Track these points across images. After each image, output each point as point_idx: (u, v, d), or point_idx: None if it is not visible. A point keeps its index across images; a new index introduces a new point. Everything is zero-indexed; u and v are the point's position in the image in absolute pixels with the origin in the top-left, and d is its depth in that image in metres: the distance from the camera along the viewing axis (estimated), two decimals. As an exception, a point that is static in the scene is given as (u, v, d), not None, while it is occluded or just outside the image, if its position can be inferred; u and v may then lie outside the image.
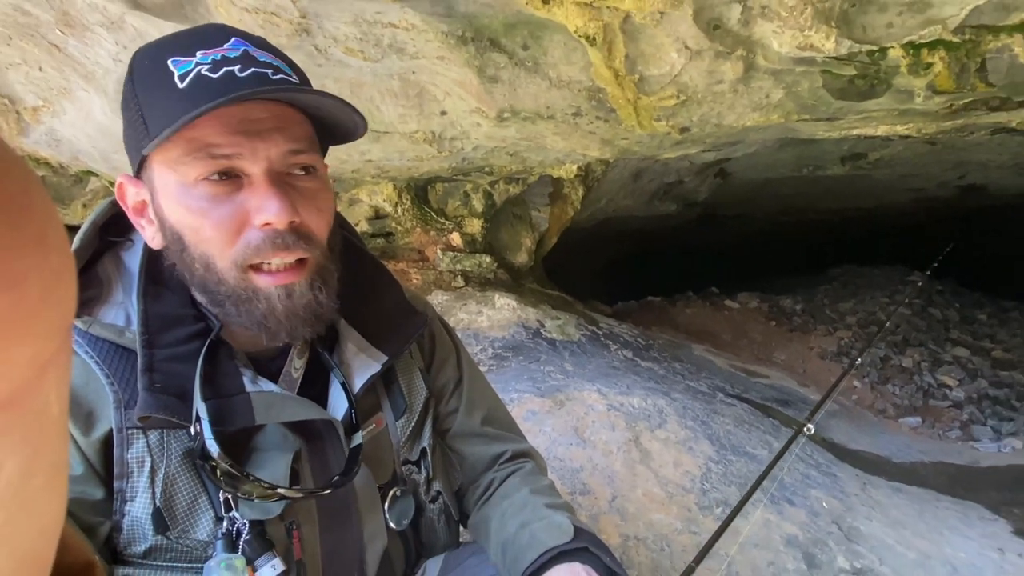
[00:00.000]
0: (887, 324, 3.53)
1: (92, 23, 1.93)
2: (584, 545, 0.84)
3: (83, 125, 2.52)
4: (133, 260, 0.75)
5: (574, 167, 3.33)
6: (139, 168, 0.70)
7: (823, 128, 2.61)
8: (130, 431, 0.68)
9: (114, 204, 0.77)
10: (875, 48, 1.81)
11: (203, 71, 0.64)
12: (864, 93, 2.08)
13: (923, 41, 1.79)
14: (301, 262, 0.70)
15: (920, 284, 4.56)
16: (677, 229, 6.45)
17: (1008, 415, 3.33)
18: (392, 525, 0.85)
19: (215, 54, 0.66)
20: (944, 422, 3.32)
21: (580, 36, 1.85)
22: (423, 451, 0.92)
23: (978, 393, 3.61)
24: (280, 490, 0.71)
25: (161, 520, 0.68)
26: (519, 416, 2.20)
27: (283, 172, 0.69)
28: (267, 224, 0.67)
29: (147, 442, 0.69)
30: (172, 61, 0.66)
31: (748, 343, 4.27)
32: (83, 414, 0.67)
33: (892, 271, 5.93)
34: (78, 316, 0.69)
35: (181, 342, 0.71)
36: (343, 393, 0.80)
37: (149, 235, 0.73)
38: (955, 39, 1.79)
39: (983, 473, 2.57)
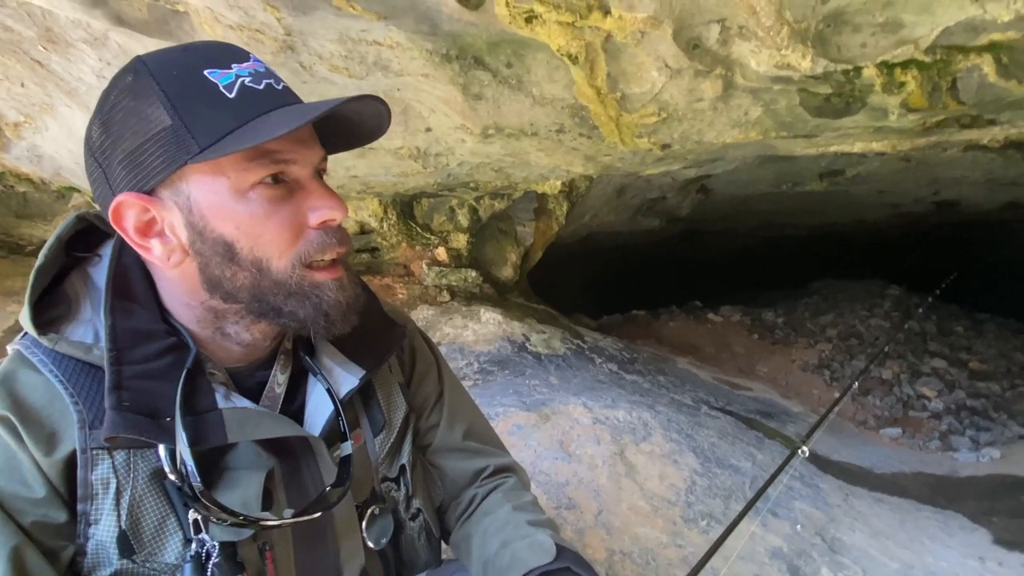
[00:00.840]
0: (886, 348, 3.58)
1: (75, 39, 1.93)
2: (566, 565, 0.83)
3: (65, 141, 2.50)
4: (101, 276, 0.73)
5: (558, 183, 3.36)
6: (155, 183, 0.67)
7: (801, 145, 2.67)
8: (95, 451, 0.66)
9: (80, 219, 0.76)
10: (850, 67, 1.86)
11: (247, 82, 0.67)
12: (840, 111, 2.13)
13: (896, 60, 1.84)
14: (338, 259, 0.74)
15: (921, 309, 4.65)
16: (660, 244, 6.52)
17: (985, 425, 3.38)
18: (370, 544, 0.84)
19: (249, 68, 0.68)
20: (924, 433, 3.37)
21: (563, 55, 1.88)
22: (402, 467, 0.90)
23: (956, 404, 3.67)
24: (265, 522, 0.70)
25: (127, 543, 0.66)
26: (504, 430, 2.20)
27: (319, 176, 0.73)
28: (326, 222, 0.71)
29: (113, 463, 0.67)
30: (209, 72, 0.66)
31: (731, 356, 4.31)
32: (45, 435, 0.65)
33: (871, 285, 6.03)
34: (44, 334, 0.68)
35: (152, 358, 0.69)
36: (327, 402, 0.79)
37: (161, 254, 0.69)
38: (927, 59, 1.85)
39: (962, 483, 2.61)
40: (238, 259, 0.68)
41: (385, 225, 3.46)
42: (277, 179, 0.68)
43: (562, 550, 0.85)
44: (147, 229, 0.69)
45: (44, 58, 2.04)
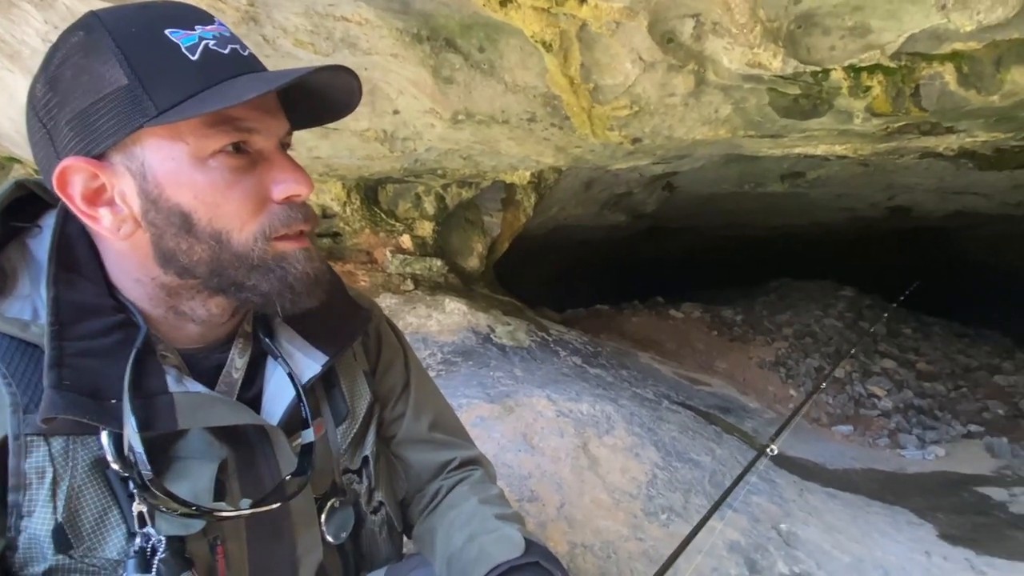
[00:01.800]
0: (852, 351, 3.69)
1: (18, -2, 1.80)
2: (535, 560, 0.81)
3: (6, 108, 2.35)
4: (42, 249, 0.67)
5: (527, 173, 3.33)
6: (106, 147, 0.62)
7: (767, 145, 2.71)
8: (29, 438, 0.61)
9: (19, 186, 0.70)
10: (818, 69, 1.89)
11: (211, 45, 0.63)
12: (807, 112, 2.16)
13: (863, 65, 1.87)
14: (304, 232, 0.71)
15: (886, 315, 4.80)
16: (625, 239, 6.57)
17: (931, 424, 3.52)
18: (329, 539, 0.80)
19: (213, 31, 0.64)
20: (873, 430, 3.48)
21: (537, 41, 1.84)
22: (365, 459, 0.87)
23: (904, 403, 3.80)
24: (219, 513, 0.66)
25: (63, 537, 0.61)
26: (468, 422, 2.17)
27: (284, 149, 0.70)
28: (290, 197, 0.68)
29: (49, 450, 0.61)
30: (171, 32, 0.61)
31: (691, 352, 4.37)
32: None
33: (826, 285, 6.20)
34: None
35: (97, 335, 0.64)
36: (288, 388, 0.75)
37: (110, 224, 0.64)
38: (892, 64, 1.88)
39: (910, 480, 2.70)
40: (195, 231, 0.64)
41: (348, 210, 3.37)
42: (239, 149, 0.64)
43: (531, 544, 0.83)
44: (95, 197, 0.64)
45: (-17, 18, 1.90)
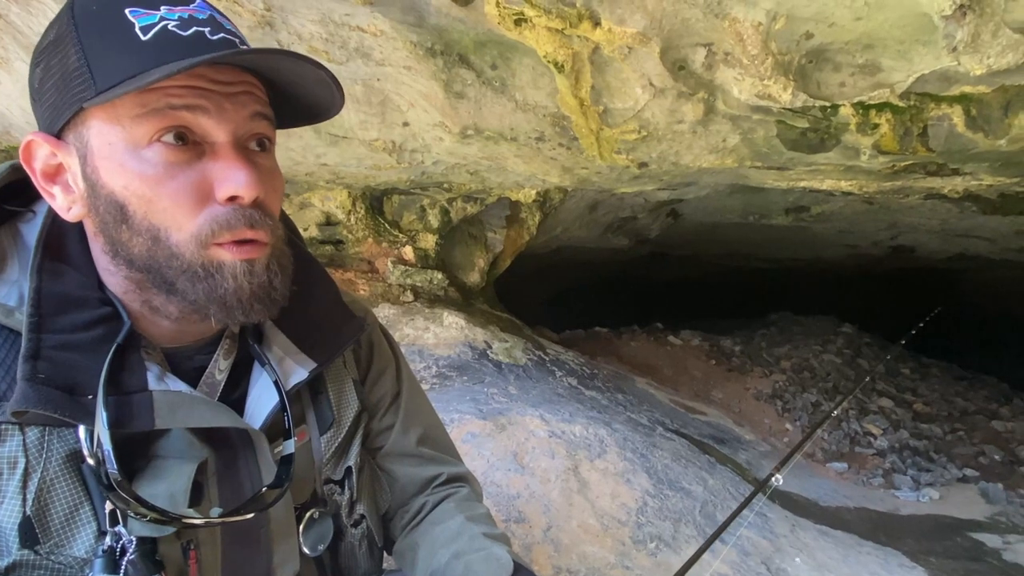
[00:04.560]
0: (856, 391, 3.65)
1: (38, -10, 1.82)
2: None
3: (18, 98, 2.36)
4: (34, 234, 0.66)
5: (533, 192, 3.34)
6: (63, 125, 0.62)
7: (773, 177, 2.71)
8: (3, 426, 0.59)
9: (16, 169, 0.68)
10: (827, 104, 1.89)
11: (170, 26, 0.59)
12: (815, 146, 2.17)
13: (872, 102, 1.88)
14: (258, 241, 0.64)
15: (889, 357, 4.76)
16: (627, 263, 6.58)
17: (927, 466, 3.48)
18: (306, 550, 0.77)
19: (182, 12, 0.61)
20: (868, 469, 3.44)
21: (549, 62, 1.86)
22: (348, 470, 0.84)
23: (900, 443, 3.77)
24: (188, 520, 0.63)
25: (30, 531, 0.59)
26: (458, 438, 2.14)
27: (245, 144, 0.64)
28: (233, 198, 0.61)
29: (23, 440, 0.60)
30: (131, 11, 0.59)
31: (688, 379, 4.34)
32: None
33: (825, 321, 6.18)
34: None
35: (79, 328, 0.62)
36: (272, 393, 0.72)
37: (62, 204, 0.63)
38: (901, 103, 1.89)
39: (903, 521, 2.66)
40: (132, 223, 0.61)
41: (352, 218, 3.37)
42: (184, 139, 0.60)
43: (519, 567, 0.81)
44: (54, 175, 0.64)
45: (3, 9, 1.92)
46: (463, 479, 0.99)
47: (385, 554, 0.95)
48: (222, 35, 0.62)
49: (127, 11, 0.59)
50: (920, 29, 1.55)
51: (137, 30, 0.59)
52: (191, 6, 0.62)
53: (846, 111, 1.97)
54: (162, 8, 0.60)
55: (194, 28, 0.60)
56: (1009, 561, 2.26)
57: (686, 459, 2.47)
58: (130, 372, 0.63)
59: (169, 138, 0.59)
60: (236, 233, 0.62)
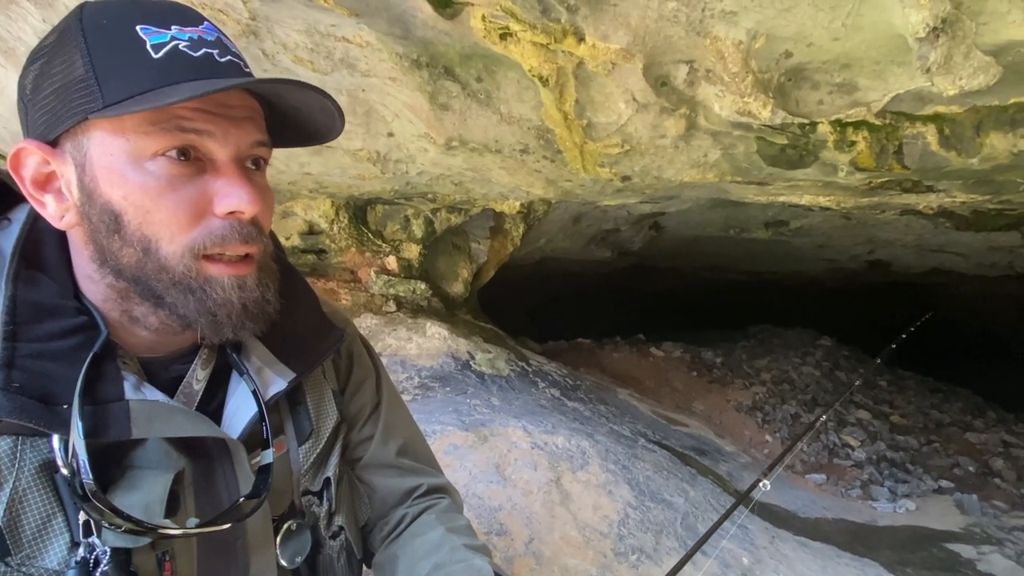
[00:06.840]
0: (836, 405, 3.67)
1: (19, -5, 1.80)
2: None
3: (-8, 101, 2.33)
4: (9, 242, 0.66)
5: (517, 203, 3.36)
6: (60, 134, 0.62)
7: (753, 191, 2.76)
8: None
9: None
10: (806, 121, 1.94)
11: (181, 47, 0.61)
12: (794, 162, 2.21)
13: (849, 120, 1.93)
14: (250, 256, 0.66)
15: (862, 372, 4.82)
16: (610, 275, 6.62)
17: (903, 478, 3.53)
18: (283, 562, 0.76)
19: (192, 33, 0.62)
20: (846, 480, 3.48)
21: (534, 75, 1.88)
22: (327, 481, 0.84)
23: (877, 455, 3.82)
24: (164, 531, 0.62)
25: (1, 542, 0.58)
26: (440, 449, 2.13)
27: (244, 162, 0.66)
28: (233, 213, 0.63)
29: None
30: (142, 28, 0.60)
31: (670, 391, 4.37)
32: None
33: (805, 333, 6.27)
34: None
35: (55, 337, 0.62)
36: (250, 403, 0.72)
37: (54, 212, 0.63)
38: (877, 122, 1.94)
39: (880, 532, 2.69)
40: (124, 233, 0.61)
41: (335, 228, 3.36)
42: (187, 155, 0.62)
43: None
44: (45, 182, 0.64)
45: (-19, 12, 1.90)
46: (443, 490, 0.99)
47: (364, 567, 0.94)
48: (229, 58, 0.64)
49: (138, 27, 0.60)
50: (895, 50, 1.59)
51: (148, 47, 0.60)
52: (200, 27, 0.64)
53: (824, 128, 2.02)
54: (173, 28, 0.61)
55: (204, 50, 0.62)
56: (983, 572, 2.30)
57: (668, 471, 2.48)
58: (106, 381, 0.63)
59: (173, 153, 0.61)
60: (229, 247, 0.63)
